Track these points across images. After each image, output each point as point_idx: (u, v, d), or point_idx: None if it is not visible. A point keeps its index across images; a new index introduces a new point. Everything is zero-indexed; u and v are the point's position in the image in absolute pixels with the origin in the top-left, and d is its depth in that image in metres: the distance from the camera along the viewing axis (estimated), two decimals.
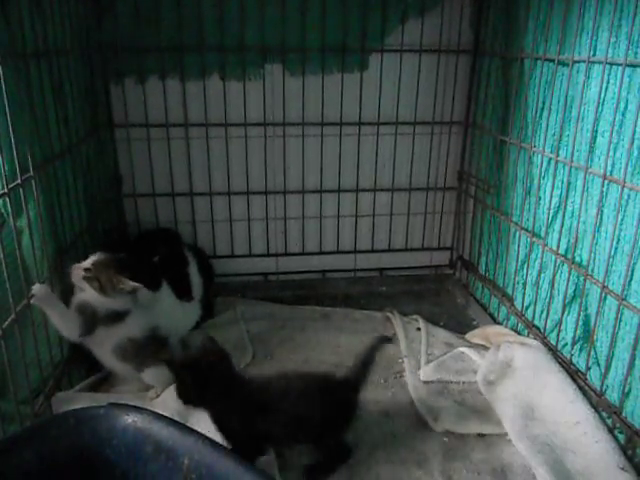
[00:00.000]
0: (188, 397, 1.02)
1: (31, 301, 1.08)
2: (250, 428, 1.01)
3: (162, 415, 0.87)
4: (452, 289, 1.89)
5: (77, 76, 1.39)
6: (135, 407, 0.88)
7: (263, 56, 1.64)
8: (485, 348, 1.46)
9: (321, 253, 1.88)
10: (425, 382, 1.34)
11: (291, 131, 1.73)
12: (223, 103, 1.66)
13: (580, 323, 1.24)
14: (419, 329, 1.57)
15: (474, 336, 1.54)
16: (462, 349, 1.45)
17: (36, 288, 1.09)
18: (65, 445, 0.84)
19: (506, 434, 1.17)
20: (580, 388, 1.21)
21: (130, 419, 0.85)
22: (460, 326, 1.64)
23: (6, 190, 0.99)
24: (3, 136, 0.99)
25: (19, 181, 1.03)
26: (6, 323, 0.98)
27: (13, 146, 1.01)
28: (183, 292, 1.50)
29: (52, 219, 1.21)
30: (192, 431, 0.84)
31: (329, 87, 1.69)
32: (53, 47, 1.23)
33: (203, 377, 1.00)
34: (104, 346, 1.20)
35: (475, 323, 1.68)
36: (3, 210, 1.02)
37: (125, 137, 1.66)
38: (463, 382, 1.35)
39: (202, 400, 1.02)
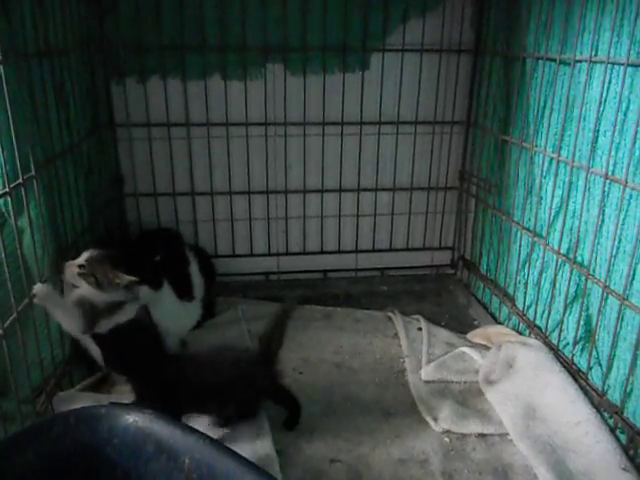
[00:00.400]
0: (114, 364, 1.11)
1: (34, 300, 1.08)
2: (169, 395, 1.08)
3: (163, 415, 0.87)
4: (453, 289, 1.88)
5: (78, 76, 1.39)
6: (136, 407, 0.88)
7: (264, 56, 1.64)
8: (486, 348, 1.46)
9: (322, 253, 1.88)
10: (426, 382, 1.34)
11: (292, 131, 1.72)
12: (224, 103, 1.66)
13: (581, 323, 1.24)
14: (420, 329, 1.57)
15: (475, 336, 1.54)
16: (463, 349, 1.45)
17: (38, 287, 1.09)
18: (66, 444, 0.84)
19: (507, 434, 1.17)
20: (581, 388, 1.21)
21: (131, 418, 0.85)
22: (461, 326, 1.64)
23: (8, 189, 0.99)
24: (5, 135, 0.99)
25: (20, 180, 1.03)
26: (8, 322, 0.98)
27: (15, 145, 1.01)
28: (184, 292, 1.50)
29: (53, 218, 1.21)
30: (193, 430, 0.84)
31: (330, 87, 1.69)
32: (55, 46, 1.23)
33: (131, 346, 1.08)
34: None
35: (476, 323, 1.68)
36: (4, 209, 1.02)
37: (126, 137, 1.66)
38: (464, 382, 1.35)
39: (127, 368, 1.10)
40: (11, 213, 1.02)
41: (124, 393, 1.23)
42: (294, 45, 1.63)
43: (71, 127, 1.32)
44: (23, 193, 1.04)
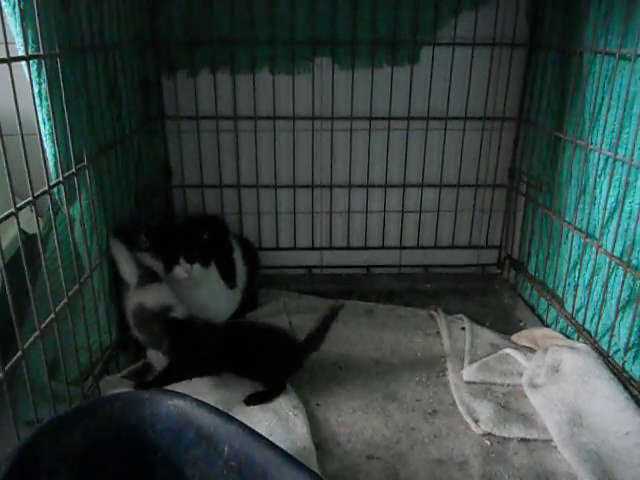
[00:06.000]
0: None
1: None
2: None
3: (204, 402, 0.89)
4: (499, 289, 1.84)
5: (131, 69, 1.42)
6: (178, 393, 0.90)
7: (313, 49, 1.64)
8: (532, 351, 1.42)
9: (366, 248, 1.87)
10: (468, 382, 1.32)
11: (339, 125, 1.72)
12: (272, 96, 1.67)
13: (634, 329, 1.19)
14: (463, 328, 1.54)
15: (521, 338, 1.50)
16: (507, 351, 1.41)
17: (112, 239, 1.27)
18: (111, 426, 0.86)
19: (551, 440, 1.14)
20: (632, 397, 1.16)
21: (173, 404, 0.87)
22: (506, 327, 1.60)
23: (62, 179, 1.03)
24: (59, 126, 1.02)
25: (74, 170, 1.06)
26: (59, 307, 1.02)
27: (69, 136, 1.04)
28: (227, 277, 1.52)
29: (103, 208, 1.24)
30: (233, 419, 0.85)
31: (378, 81, 1.67)
32: (109, 40, 1.27)
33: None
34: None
35: (522, 325, 1.63)
36: (57, 198, 1.06)
37: (176, 129, 1.70)
38: (507, 384, 1.32)
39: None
40: (64, 202, 1.05)
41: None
42: (343, 39, 1.62)
43: (123, 119, 1.36)
44: (76, 183, 1.08)
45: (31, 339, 0.92)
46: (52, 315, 0.99)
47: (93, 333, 1.17)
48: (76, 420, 0.85)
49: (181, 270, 1.34)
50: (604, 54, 1.27)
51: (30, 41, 0.94)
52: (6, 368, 0.84)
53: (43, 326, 0.95)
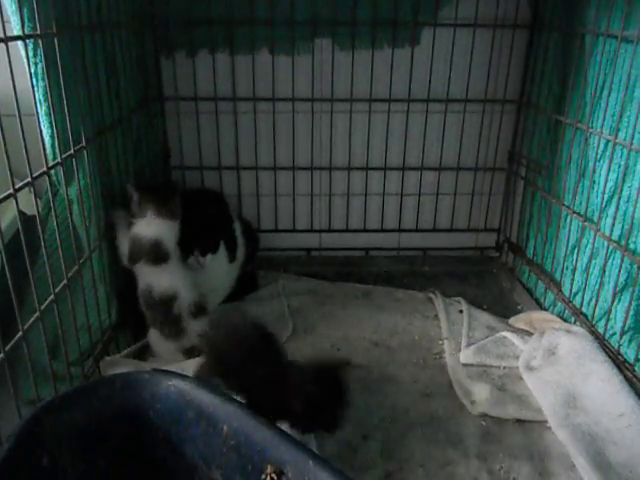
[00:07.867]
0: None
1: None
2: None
3: (203, 382, 0.90)
4: (497, 272, 1.85)
5: (129, 49, 1.41)
6: (178, 374, 0.90)
7: (313, 30, 1.62)
8: (529, 334, 1.43)
9: (365, 231, 1.87)
10: (465, 365, 1.33)
11: (339, 107, 1.71)
12: (272, 78, 1.66)
13: (631, 313, 1.20)
14: (461, 311, 1.55)
15: (518, 321, 1.51)
16: (504, 333, 1.43)
17: (116, 212, 1.28)
18: (112, 406, 0.87)
19: (546, 421, 1.15)
20: (627, 380, 1.18)
21: (173, 385, 0.88)
22: (504, 310, 1.61)
23: (60, 160, 1.03)
24: (57, 107, 1.02)
25: (72, 151, 1.06)
26: (58, 288, 1.02)
27: (67, 117, 1.04)
28: (229, 248, 1.52)
29: (102, 189, 1.24)
30: (232, 400, 0.86)
31: (379, 63, 1.66)
32: (107, 20, 1.25)
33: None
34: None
35: (520, 308, 1.64)
36: (56, 180, 1.06)
37: (174, 110, 1.69)
38: (504, 367, 1.33)
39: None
40: (62, 183, 1.05)
41: (167, 362, 1.27)
42: (343, 19, 1.60)
43: (121, 100, 1.35)
44: (74, 164, 1.08)
45: (31, 320, 0.93)
46: (52, 296, 1.00)
47: (93, 314, 1.18)
48: (77, 400, 0.86)
49: (195, 262, 1.36)
50: (606, 36, 1.26)
51: (26, 20, 0.93)
52: (7, 348, 0.85)
53: (43, 307, 0.96)
